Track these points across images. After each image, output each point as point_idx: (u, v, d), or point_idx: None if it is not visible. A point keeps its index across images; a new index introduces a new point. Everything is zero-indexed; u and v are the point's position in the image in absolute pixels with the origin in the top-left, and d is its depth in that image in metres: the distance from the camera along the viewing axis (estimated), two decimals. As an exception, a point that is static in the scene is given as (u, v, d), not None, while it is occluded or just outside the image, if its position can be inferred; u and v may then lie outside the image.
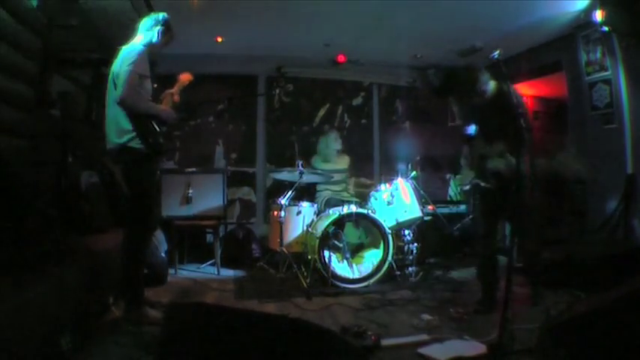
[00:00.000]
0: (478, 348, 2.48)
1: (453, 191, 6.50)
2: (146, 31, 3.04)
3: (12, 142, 2.80)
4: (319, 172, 4.93)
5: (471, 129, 3.24)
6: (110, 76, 2.91)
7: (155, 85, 3.10)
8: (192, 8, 4.05)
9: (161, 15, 3.11)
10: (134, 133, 2.84)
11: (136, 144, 2.85)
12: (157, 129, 2.93)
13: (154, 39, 3.04)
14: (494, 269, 3.27)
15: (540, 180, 3.38)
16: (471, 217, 5.59)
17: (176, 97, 3.30)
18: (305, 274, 3.98)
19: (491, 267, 3.29)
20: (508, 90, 2.81)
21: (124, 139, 2.85)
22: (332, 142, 5.19)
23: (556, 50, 4.88)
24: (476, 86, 3.18)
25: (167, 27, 3.09)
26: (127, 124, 2.84)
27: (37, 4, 3.12)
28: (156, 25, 3.05)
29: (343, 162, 5.31)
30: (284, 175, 4.73)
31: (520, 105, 2.78)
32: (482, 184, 3.26)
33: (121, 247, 2.97)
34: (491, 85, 3.21)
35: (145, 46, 2.99)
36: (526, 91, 6.22)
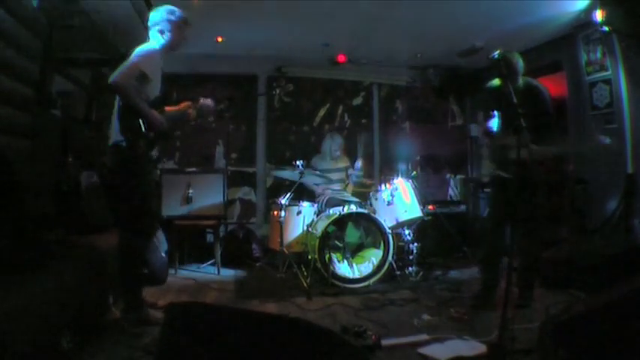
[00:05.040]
0: (478, 348, 2.48)
1: (453, 191, 6.51)
2: (155, 30, 2.94)
3: (12, 142, 2.80)
4: (318, 172, 4.93)
5: (493, 124, 3.21)
6: None
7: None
8: (192, 8, 4.05)
9: (166, 9, 2.94)
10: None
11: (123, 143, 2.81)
12: (143, 129, 2.81)
13: (166, 38, 2.94)
14: (497, 266, 3.27)
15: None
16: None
17: (191, 112, 3.21)
18: (305, 274, 3.98)
19: (494, 263, 3.28)
20: (537, 84, 2.81)
21: (115, 138, 2.84)
22: (335, 144, 5.22)
23: (556, 50, 4.87)
24: (514, 71, 3.08)
25: (178, 22, 2.94)
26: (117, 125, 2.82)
27: (37, 4, 3.12)
28: (163, 22, 2.92)
29: (344, 162, 5.32)
30: (286, 174, 4.74)
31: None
32: (503, 174, 3.22)
33: (117, 249, 2.96)
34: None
35: (160, 47, 2.93)
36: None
